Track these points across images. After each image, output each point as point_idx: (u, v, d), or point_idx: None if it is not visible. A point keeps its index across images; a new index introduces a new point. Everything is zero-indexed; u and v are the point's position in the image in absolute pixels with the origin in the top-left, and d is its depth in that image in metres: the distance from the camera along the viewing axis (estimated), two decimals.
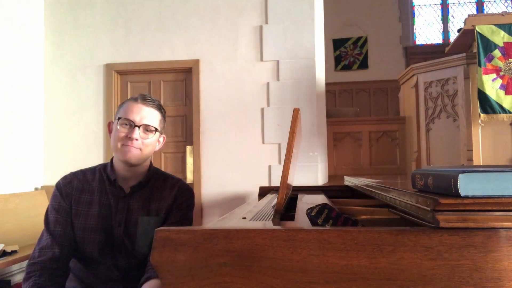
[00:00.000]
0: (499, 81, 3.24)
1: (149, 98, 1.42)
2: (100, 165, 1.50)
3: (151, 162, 1.51)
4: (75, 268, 1.45)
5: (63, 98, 3.93)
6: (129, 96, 3.83)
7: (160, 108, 1.44)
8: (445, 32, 7.68)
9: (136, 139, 1.35)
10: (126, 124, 1.36)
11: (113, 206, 1.40)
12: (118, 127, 1.37)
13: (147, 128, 1.38)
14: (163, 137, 1.50)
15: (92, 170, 1.48)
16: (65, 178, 1.45)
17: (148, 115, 1.39)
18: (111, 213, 1.39)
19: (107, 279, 1.40)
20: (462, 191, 0.69)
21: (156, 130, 1.40)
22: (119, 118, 1.37)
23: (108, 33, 3.90)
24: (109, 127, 1.47)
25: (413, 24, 7.72)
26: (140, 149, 1.37)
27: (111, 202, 1.41)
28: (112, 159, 1.45)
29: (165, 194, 1.45)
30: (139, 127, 1.36)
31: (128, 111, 1.37)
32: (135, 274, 1.37)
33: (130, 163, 1.37)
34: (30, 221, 3.24)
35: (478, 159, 3.35)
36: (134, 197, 1.42)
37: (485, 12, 7.32)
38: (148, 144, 1.39)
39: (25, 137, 3.72)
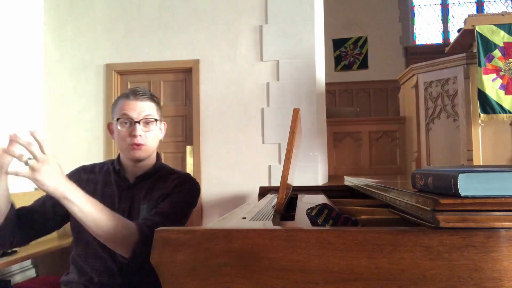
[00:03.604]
0: (499, 81, 3.24)
1: (140, 91, 1.42)
2: (110, 160, 1.54)
3: (158, 157, 1.53)
4: (75, 261, 1.45)
5: (63, 98, 3.93)
6: None
7: (153, 97, 1.46)
8: (445, 32, 7.68)
9: (140, 135, 1.37)
10: (125, 123, 1.39)
11: (117, 196, 1.42)
12: (119, 127, 1.39)
13: (146, 121, 1.40)
14: (164, 123, 1.52)
15: (102, 163, 1.54)
16: (75, 169, 1.51)
17: (144, 108, 1.40)
18: (114, 204, 1.40)
19: (105, 272, 1.40)
20: (462, 191, 0.69)
21: (156, 120, 1.43)
22: (118, 119, 1.40)
23: (108, 33, 3.90)
24: (109, 128, 1.50)
25: (413, 24, 7.72)
26: (146, 144, 1.39)
27: (115, 192, 1.43)
28: (119, 155, 1.49)
29: (168, 183, 1.45)
30: (139, 122, 1.38)
31: (124, 109, 1.39)
32: (133, 266, 1.36)
33: (140, 160, 1.42)
34: None
35: (478, 159, 3.35)
36: (138, 187, 1.44)
37: (485, 12, 7.32)
38: (151, 136, 1.41)
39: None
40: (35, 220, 1.38)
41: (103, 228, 1.16)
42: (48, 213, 1.40)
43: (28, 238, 1.39)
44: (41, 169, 1.09)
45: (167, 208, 1.36)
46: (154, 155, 1.49)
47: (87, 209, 1.14)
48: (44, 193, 1.29)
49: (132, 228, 1.23)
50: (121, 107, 1.40)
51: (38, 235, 1.42)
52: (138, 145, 1.38)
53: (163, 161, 1.58)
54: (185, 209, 1.43)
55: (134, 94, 1.41)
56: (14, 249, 2.80)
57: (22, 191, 3.53)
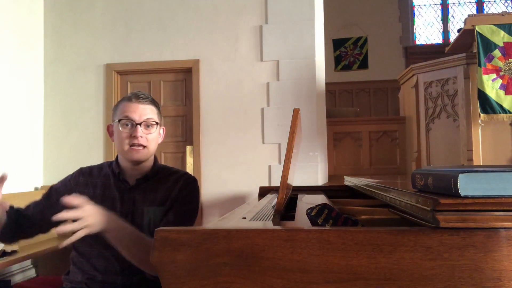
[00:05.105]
0: (499, 81, 3.24)
1: (142, 95, 1.46)
2: (107, 162, 1.56)
3: (156, 159, 1.55)
4: (77, 261, 1.46)
5: (63, 98, 3.93)
6: None
7: (154, 102, 1.49)
8: (445, 32, 7.68)
9: (141, 137, 1.40)
10: (127, 124, 1.41)
11: (118, 199, 1.44)
12: (120, 128, 1.42)
13: (148, 124, 1.43)
14: (163, 128, 1.56)
15: (99, 166, 1.55)
16: (74, 172, 1.54)
17: (146, 111, 1.44)
18: (115, 207, 1.42)
19: (108, 271, 1.41)
20: (462, 191, 0.69)
21: (157, 123, 1.46)
22: (119, 120, 1.42)
23: (108, 33, 3.90)
24: (108, 130, 1.52)
25: (413, 24, 7.72)
26: (146, 146, 1.42)
27: (116, 195, 1.44)
28: (117, 157, 1.50)
29: (170, 185, 1.47)
30: (140, 124, 1.41)
31: (126, 111, 1.42)
32: (135, 266, 1.36)
33: (139, 162, 1.44)
34: None
35: (478, 159, 3.35)
36: (139, 189, 1.46)
37: (485, 12, 7.32)
38: (151, 139, 1.44)
39: (25, 137, 3.72)
40: (22, 224, 1.45)
41: (134, 256, 1.27)
42: (34, 218, 1.47)
43: (17, 237, 1.49)
44: (91, 222, 1.19)
45: (177, 219, 1.40)
46: (153, 157, 1.52)
47: (121, 242, 1.27)
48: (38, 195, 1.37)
49: None
50: (123, 109, 1.43)
51: (25, 236, 1.50)
52: (138, 146, 1.40)
53: (163, 162, 1.60)
54: (192, 217, 1.48)
55: (136, 97, 1.44)
56: (14, 249, 2.80)
57: (22, 191, 3.54)
